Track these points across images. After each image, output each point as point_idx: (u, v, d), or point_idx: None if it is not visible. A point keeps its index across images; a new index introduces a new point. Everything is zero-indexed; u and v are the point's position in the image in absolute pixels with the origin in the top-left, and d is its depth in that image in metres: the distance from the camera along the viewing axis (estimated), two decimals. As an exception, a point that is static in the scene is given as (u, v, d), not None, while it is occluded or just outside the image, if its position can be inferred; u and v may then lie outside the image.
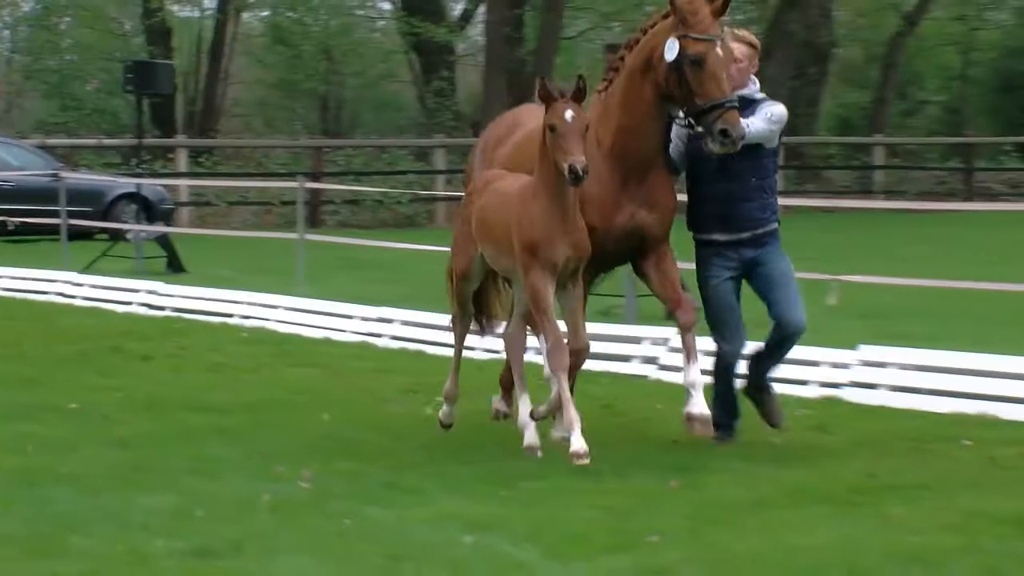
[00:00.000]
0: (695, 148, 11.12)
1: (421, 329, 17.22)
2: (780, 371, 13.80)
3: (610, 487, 9.89)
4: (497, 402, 12.04)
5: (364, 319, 17.97)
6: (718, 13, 10.86)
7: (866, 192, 45.59)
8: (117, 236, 28.59)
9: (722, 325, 11.30)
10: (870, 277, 18.54)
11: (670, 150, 11.31)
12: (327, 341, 17.46)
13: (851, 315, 17.88)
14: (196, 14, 52.13)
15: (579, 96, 10.45)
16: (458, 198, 37.69)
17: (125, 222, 30.25)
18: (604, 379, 14.52)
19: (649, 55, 10.93)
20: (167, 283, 21.85)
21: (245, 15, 52.73)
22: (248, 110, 53.71)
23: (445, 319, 17.15)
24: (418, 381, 14.37)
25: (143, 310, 20.51)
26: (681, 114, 10.97)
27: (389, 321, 17.70)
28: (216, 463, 10.68)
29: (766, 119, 11.06)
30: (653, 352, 15.05)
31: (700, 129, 10.75)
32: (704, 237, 11.32)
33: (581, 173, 10.11)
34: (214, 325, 18.94)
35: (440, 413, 11.87)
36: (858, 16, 58.02)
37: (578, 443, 10.38)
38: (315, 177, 36.64)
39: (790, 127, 42.76)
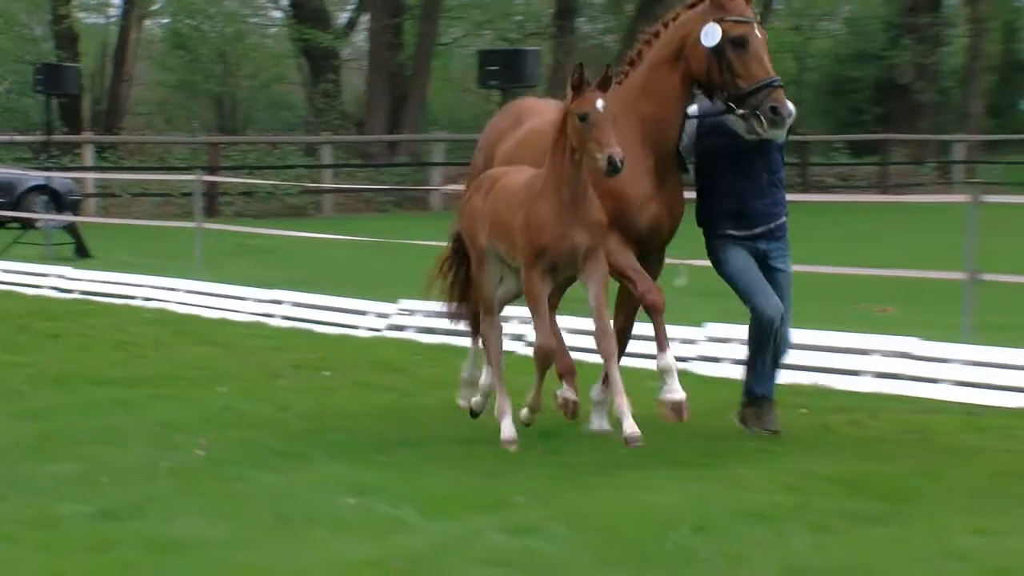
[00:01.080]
0: (707, 144, 10.48)
1: (310, 310, 17.16)
2: (633, 346, 13.90)
3: (479, 452, 9.89)
4: (566, 391, 10.69)
5: (258, 301, 17.87)
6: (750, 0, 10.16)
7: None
8: (28, 225, 28.26)
9: (754, 290, 10.40)
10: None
11: (680, 148, 10.50)
12: (223, 321, 17.32)
13: (698, 295, 17.95)
14: (102, 21, 51.54)
15: (605, 85, 9.39)
16: (345, 190, 37.84)
17: (35, 212, 29.82)
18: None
19: (680, 44, 10.12)
20: (75, 268, 21.59)
21: (147, 22, 52.21)
22: (150, 109, 53.20)
23: (332, 300, 17.19)
24: (307, 357, 14.29)
25: (52, 293, 20.22)
26: (694, 109, 10.41)
27: (280, 303, 17.62)
28: (119, 433, 10.57)
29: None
30: (520, 330, 15.05)
31: (741, 112, 9.99)
32: (717, 233, 10.58)
33: (619, 164, 9.11)
34: (118, 307, 18.71)
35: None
36: (705, 25, 58.17)
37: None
38: (212, 171, 36.26)
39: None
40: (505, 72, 20.36)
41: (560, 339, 10.71)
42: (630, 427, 9.57)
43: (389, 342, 15.52)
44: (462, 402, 11.26)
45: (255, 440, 10.31)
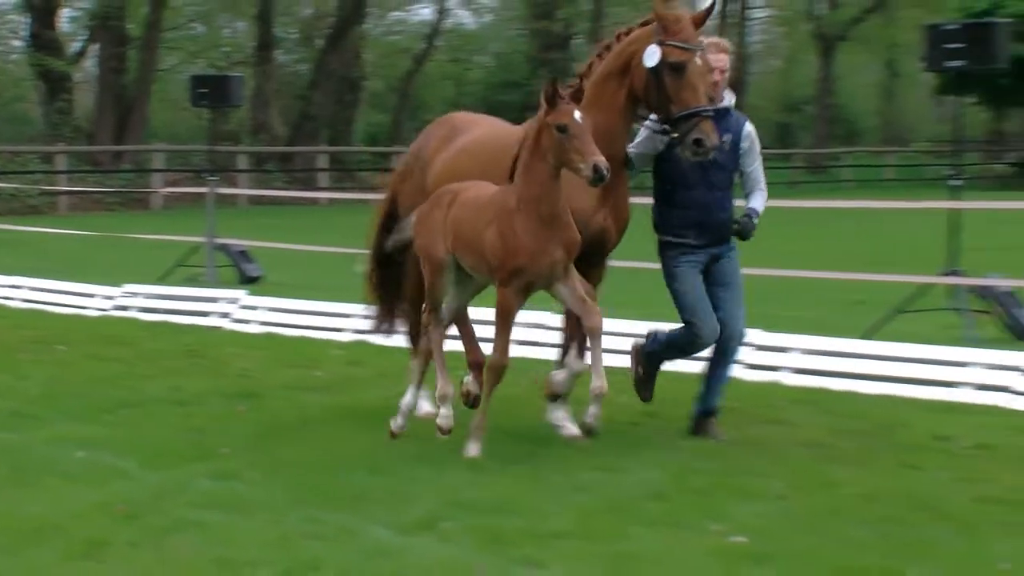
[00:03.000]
0: (677, 155, 8.66)
1: (46, 293, 16.66)
2: (314, 320, 13.89)
3: (192, 412, 9.69)
4: (470, 383, 8.84)
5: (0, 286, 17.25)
6: (699, 23, 8.54)
7: (388, 188, 45.82)
8: None
9: (697, 309, 8.72)
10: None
11: (629, 150, 8.86)
12: (-31, 304, 16.68)
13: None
14: None
15: (579, 97, 7.92)
16: (78, 192, 36.77)
17: None
18: (190, 330, 14.27)
19: (628, 59, 8.60)
20: None
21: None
22: (-94, 124, 51.03)
23: (65, 285, 16.66)
24: (43, 334, 13.80)
25: None
26: (653, 117, 8.72)
27: (19, 287, 17.04)
28: None
29: (764, 199, 8.96)
30: (227, 309, 14.88)
31: (675, 135, 8.44)
32: (675, 240, 8.85)
33: (605, 172, 7.59)
34: None
35: (439, 419, 8.62)
36: (381, 57, 58.61)
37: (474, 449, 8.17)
38: (-39, 176, 34.98)
39: (333, 140, 42.42)
40: (214, 94, 20.07)
41: (471, 331, 8.94)
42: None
43: (115, 320, 15.13)
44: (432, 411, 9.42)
45: (-3, 405, 9.93)
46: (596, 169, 7.59)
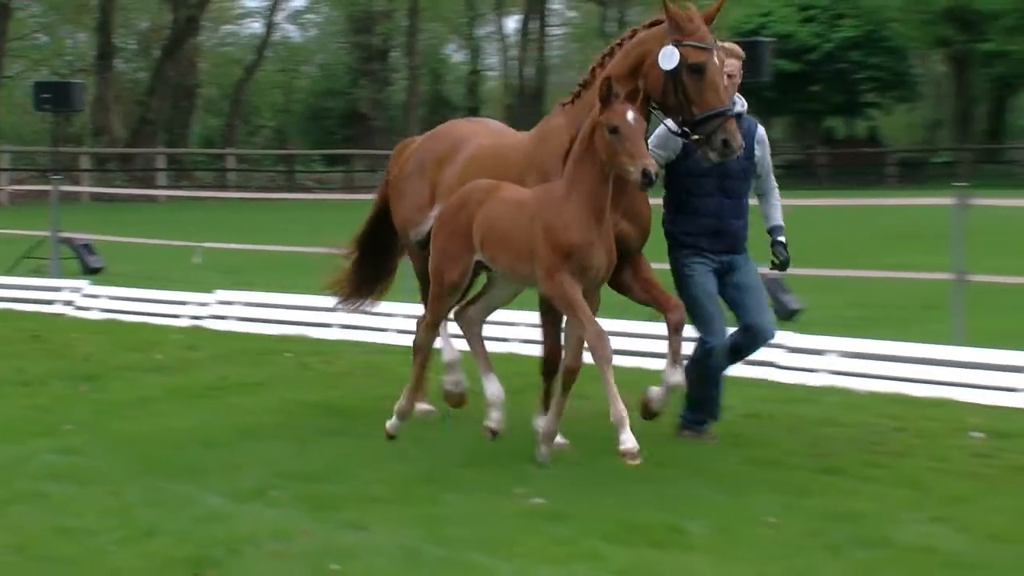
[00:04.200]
0: (692, 163, 7.76)
1: None
2: (153, 307, 13.64)
3: (36, 391, 9.43)
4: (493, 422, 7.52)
5: None
6: (710, 20, 7.41)
7: (223, 187, 45.18)
8: None
9: (709, 318, 7.80)
10: (225, 244, 18.42)
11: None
12: None
13: (211, 269, 17.74)
14: None
15: (634, 98, 6.88)
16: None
17: None
18: (35, 317, 13.90)
19: (636, 62, 7.45)
20: None
21: None
22: None
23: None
24: None
25: None
26: (669, 121, 7.59)
27: None
28: None
29: (779, 204, 8.16)
30: (71, 298, 14.51)
31: (696, 137, 7.34)
32: (687, 246, 7.93)
33: (653, 177, 6.64)
34: None
35: (388, 424, 7.71)
36: (215, 66, 57.89)
37: (630, 442, 6.76)
38: None
39: (170, 142, 41.74)
40: (57, 99, 19.63)
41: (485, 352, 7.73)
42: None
43: (-37, 308, 14.65)
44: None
45: None
46: (645, 173, 6.65)
